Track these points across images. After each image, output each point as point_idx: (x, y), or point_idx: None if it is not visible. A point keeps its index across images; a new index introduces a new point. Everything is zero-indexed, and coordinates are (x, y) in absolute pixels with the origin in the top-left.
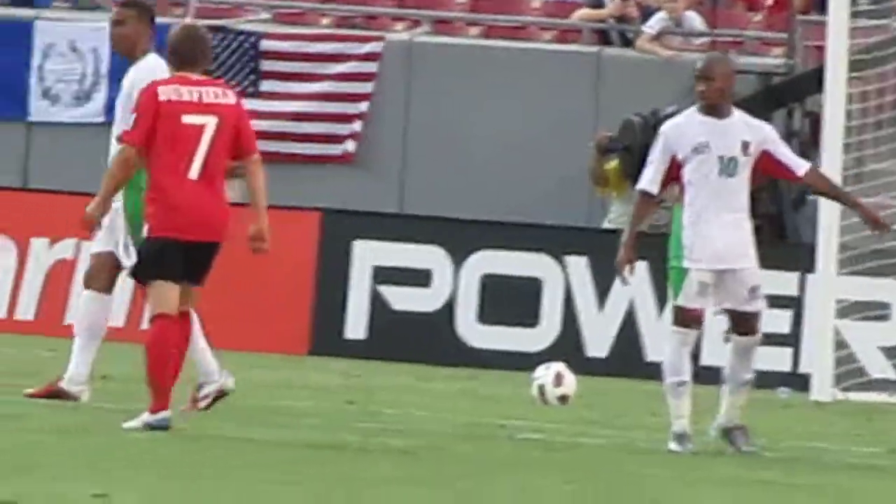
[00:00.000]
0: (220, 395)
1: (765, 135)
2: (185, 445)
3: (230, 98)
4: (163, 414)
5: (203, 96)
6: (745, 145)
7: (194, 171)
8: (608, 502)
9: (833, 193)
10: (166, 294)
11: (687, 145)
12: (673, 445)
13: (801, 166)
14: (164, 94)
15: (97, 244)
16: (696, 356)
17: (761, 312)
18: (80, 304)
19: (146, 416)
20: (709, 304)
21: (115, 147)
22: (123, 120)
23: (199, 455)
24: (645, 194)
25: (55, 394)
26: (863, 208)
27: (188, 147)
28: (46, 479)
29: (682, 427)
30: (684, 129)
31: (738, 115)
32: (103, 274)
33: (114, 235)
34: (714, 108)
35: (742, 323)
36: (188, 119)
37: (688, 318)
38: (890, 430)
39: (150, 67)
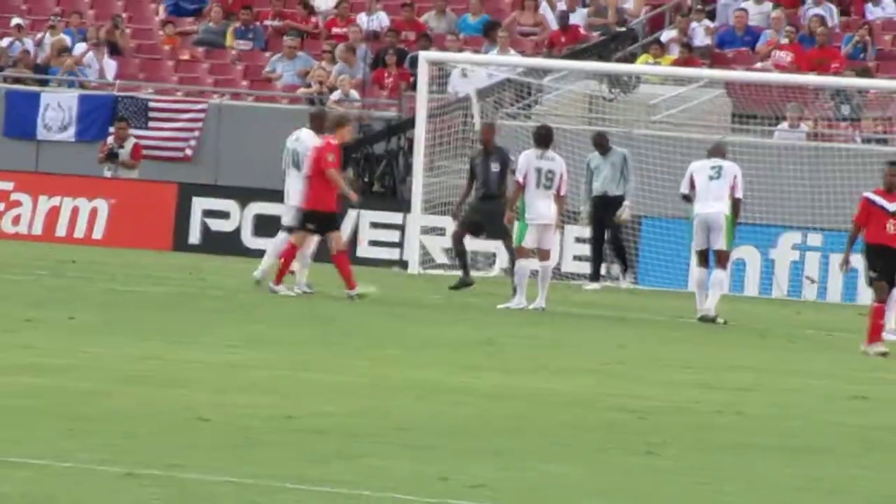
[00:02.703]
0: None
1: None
2: (113, 297)
3: (319, 142)
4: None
5: (317, 146)
6: None
7: (304, 174)
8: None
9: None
10: (299, 236)
11: None
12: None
13: None
14: None
15: None
16: None
17: None
18: None
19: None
20: None
21: None
22: None
23: (122, 298)
24: None
25: None
26: None
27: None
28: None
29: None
30: None
31: None
32: None
33: None
34: None
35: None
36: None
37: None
38: (443, 287)
39: None
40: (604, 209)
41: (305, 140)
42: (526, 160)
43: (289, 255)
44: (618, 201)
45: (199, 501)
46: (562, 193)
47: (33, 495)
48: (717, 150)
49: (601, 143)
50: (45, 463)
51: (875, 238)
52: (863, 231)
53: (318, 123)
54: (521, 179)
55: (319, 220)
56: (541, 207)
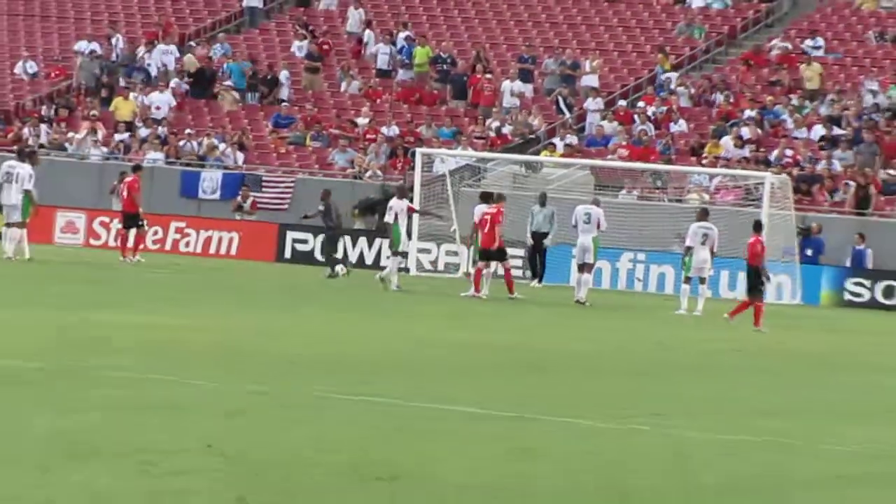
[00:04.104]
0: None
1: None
2: (241, 288)
3: (493, 210)
4: (471, 291)
5: (487, 212)
6: None
7: (485, 229)
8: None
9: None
10: (483, 263)
11: None
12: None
13: None
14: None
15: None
16: None
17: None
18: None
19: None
20: None
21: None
22: None
23: (246, 289)
24: None
25: None
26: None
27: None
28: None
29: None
30: None
31: None
32: None
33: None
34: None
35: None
36: (484, 217)
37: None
38: (427, 282)
39: None
40: (538, 239)
41: (390, 202)
42: (479, 210)
43: (478, 274)
44: (545, 235)
45: (291, 407)
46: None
47: (170, 399)
48: (595, 201)
49: (543, 200)
50: (200, 383)
51: (759, 263)
52: (745, 256)
53: (401, 192)
54: (476, 222)
55: (494, 254)
56: None
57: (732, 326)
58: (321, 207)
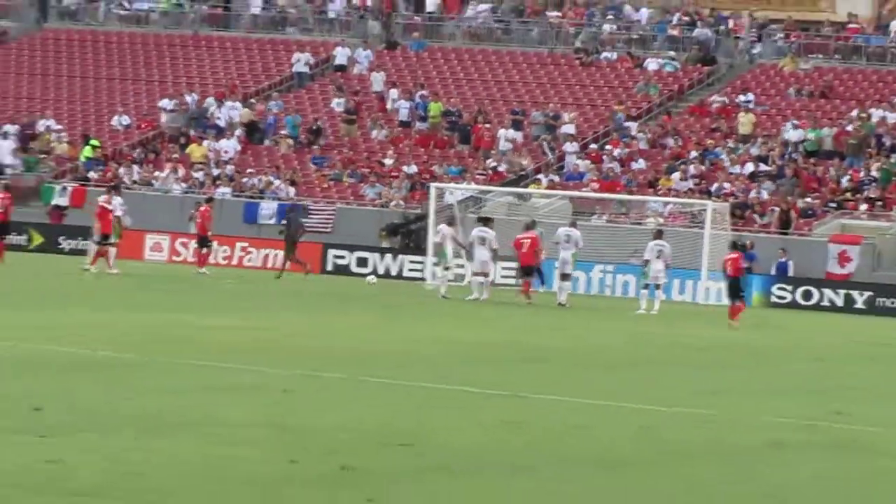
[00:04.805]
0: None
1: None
2: (295, 293)
3: (533, 234)
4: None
5: (521, 238)
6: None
7: (524, 249)
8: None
9: None
10: (526, 281)
11: None
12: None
13: None
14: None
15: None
16: None
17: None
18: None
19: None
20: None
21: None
22: None
23: (298, 295)
24: None
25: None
26: None
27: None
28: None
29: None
30: None
31: None
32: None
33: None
34: None
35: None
36: (522, 240)
37: None
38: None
39: None
40: None
41: (439, 227)
42: (474, 232)
43: (526, 287)
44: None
45: (333, 388)
46: (494, 247)
47: (234, 383)
48: (573, 224)
49: (530, 225)
50: (259, 369)
51: (741, 274)
52: (727, 270)
53: (450, 221)
54: (471, 240)
55: (531, 270)
56: (481, 253)
57: (695, 325)
58: (284, 221)
